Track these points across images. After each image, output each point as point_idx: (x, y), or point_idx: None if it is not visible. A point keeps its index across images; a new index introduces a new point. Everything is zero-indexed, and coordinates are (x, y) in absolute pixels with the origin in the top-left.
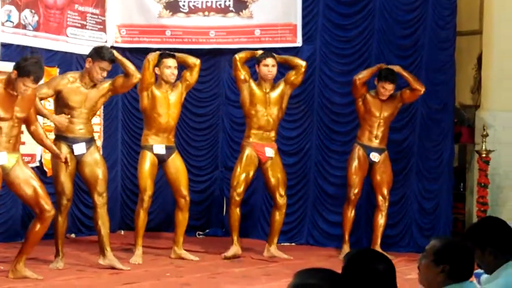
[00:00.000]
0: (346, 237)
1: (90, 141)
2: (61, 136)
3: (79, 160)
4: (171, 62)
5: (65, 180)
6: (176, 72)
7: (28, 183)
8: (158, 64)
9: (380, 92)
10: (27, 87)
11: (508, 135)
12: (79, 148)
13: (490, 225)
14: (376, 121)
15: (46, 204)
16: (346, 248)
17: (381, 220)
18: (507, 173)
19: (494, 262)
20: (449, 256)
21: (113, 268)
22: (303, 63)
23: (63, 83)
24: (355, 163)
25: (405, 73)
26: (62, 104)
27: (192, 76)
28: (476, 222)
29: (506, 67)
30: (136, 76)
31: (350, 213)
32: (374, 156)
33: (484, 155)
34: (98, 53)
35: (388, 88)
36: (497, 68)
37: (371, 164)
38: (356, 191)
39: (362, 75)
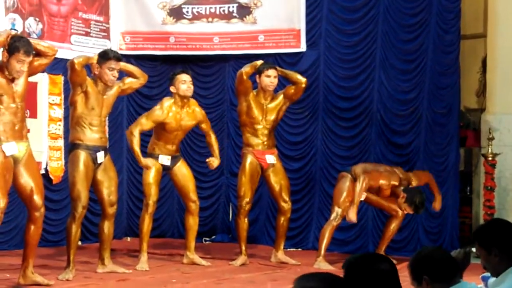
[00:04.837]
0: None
1: (106, 150)
2: (82, 145)
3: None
4: (185, 77)
5: (82, 187)
6: (192, 86)
7: (31, 178)
8: (172, 81)
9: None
10: (21, 62)
11: None
12: (101, 157)
13: (496, 226)
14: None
15: (38, 200)
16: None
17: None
18: None
19: (499, 264)
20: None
21: (115, 272)
22: (303, 80)
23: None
24: None
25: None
26: (80, 113)
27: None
28: (483, 223)
29: (511, 70)
30: (145, 78)
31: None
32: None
33: (490, 158)
34: (102, 55)
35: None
36: (502, 71)
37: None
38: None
39: None
